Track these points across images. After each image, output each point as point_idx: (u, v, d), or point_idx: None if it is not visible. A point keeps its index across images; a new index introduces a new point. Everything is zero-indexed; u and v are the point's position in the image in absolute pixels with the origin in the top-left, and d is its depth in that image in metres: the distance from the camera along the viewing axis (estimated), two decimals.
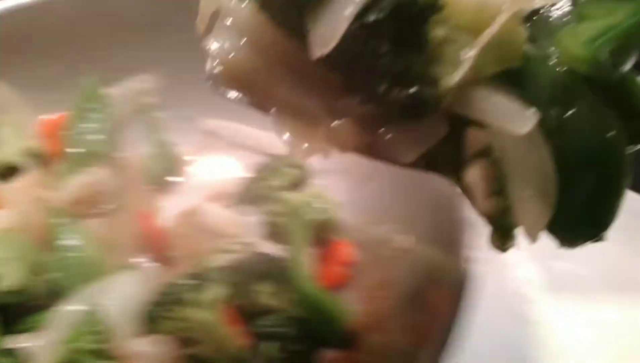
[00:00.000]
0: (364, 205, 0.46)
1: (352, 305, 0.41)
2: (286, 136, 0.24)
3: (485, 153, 0.22)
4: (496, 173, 0.22)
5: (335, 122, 0.23)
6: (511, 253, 0.47)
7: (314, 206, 0.44)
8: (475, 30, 0.22)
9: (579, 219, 0.23)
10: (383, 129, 0.23)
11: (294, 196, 0.44)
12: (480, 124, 0.22)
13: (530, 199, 0.22)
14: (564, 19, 0.24)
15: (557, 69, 0.22)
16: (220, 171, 0.50)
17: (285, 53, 0.23)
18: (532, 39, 0.23)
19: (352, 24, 0.21)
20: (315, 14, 0.22)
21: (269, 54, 0.23)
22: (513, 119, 0.21)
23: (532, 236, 0.22)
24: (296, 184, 0.46)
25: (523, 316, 0.45)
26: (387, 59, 0.21)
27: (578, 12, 0.24)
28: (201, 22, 0.25)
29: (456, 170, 0.23)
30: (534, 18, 0.23)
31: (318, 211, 0.44)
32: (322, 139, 0.23)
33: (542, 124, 0.21)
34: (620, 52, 0.22)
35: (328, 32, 0.21)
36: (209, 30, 0.25)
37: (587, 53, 0.22)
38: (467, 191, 0.23)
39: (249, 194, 0.46)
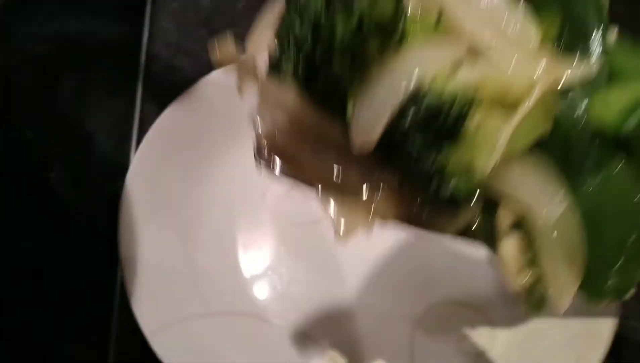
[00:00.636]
0: None
1: None
2: (332, 211, 0.24)
3: (517, 225, 0.23)
4: (528, 244, 0.23)
5: (375, 194, 0.24)
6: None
7: None
8: (507, 105, 0.22)
9: (607, 282, 0.24)
10: (419, 205, 0.24)
11: None
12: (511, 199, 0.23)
13: (560, 270, 0.23)
14: (595, 77, 0.23)
15: (589, 134, 0.23)
16: None
17: (326, 130, 0.23)
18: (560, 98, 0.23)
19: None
20: (354, 103, 0.22)
21: (309, 132, 0.24)
22: (544, 202, 0.22)
23: (562, 305, 0.23)
24: None
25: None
26: (424, 154, 0.21)
27: (610, 63, 0.24)
28: (240, 91, 0.24)
29: (492, 241, 0.24)
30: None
31: None
32: (365, 211, 0.24)
33: (574, 190, 0.23)
34: None
35: (366, 132, 0.22)
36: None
37: (622, 126, 0.22)
38: (501, 262, 0.24)
39: None
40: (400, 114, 0.21)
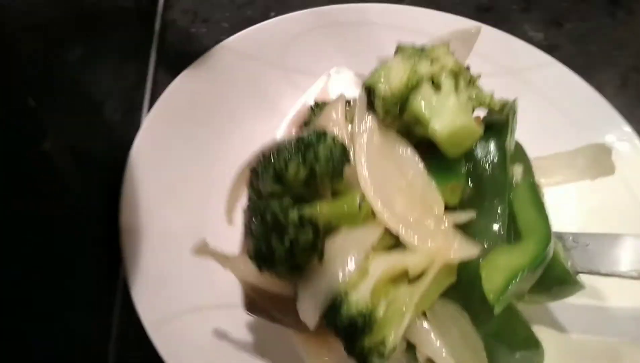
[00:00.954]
0: None
1: None
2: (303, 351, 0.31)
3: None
4: None
5: (330, 340, 0.30)
6: None
7: None
8: (412, 278, 0.28)
9: None
10: None
11: None
12: None
13: None
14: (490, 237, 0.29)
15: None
16: None
17: (287, 295, 0.30)
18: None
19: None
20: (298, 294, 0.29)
21: (275, 294, 0.31)
22: (441, 352, 0.28)
23: None
24: None
25: None
26: (346, 344, 0.29)
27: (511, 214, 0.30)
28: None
29: None
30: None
31: None
32: (326, 351, 0.31)
33: (482, 321, 0.29)
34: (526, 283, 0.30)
35: (306, 319, 0.29)
36: None
37: (497, 303, 0.28)
38: None
39: None
40: (326, 313, 0.28)
